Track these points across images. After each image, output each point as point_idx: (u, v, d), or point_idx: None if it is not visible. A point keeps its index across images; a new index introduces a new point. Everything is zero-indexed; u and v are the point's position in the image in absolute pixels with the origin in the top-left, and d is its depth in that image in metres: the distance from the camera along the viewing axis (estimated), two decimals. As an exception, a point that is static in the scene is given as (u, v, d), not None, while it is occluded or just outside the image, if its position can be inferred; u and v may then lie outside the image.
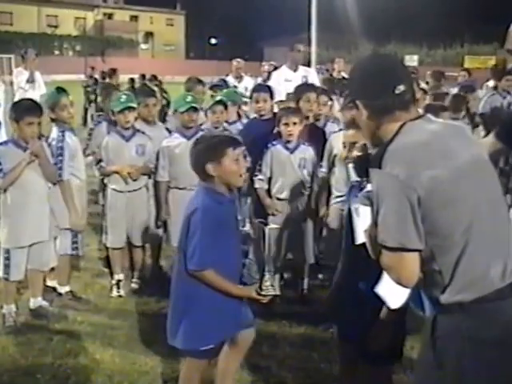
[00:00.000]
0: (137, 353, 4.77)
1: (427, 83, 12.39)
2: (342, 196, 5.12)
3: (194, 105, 5.75)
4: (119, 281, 5.92)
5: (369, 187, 2.61)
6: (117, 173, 5.79)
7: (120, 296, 5.85)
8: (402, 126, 2.45)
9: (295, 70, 8.69)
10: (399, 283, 2.40)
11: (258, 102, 6.21)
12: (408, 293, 2.65)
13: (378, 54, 2.54)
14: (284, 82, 8.32)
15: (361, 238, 2.64)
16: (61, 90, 5.62)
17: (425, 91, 8.86)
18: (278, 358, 4.70)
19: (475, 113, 7.78)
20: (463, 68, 15.94)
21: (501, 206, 2.54)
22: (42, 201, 5.20)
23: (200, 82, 7.51)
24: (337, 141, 5.13)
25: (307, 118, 5.97)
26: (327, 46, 46.93)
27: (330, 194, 5.44)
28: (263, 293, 3.53)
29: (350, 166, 3.41)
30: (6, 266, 5.13)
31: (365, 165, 2.98)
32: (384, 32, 55.36)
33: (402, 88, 2.47)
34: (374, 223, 2.41)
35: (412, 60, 46.76)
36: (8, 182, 5.00)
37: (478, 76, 14.79)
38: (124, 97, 5.93)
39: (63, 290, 5.69)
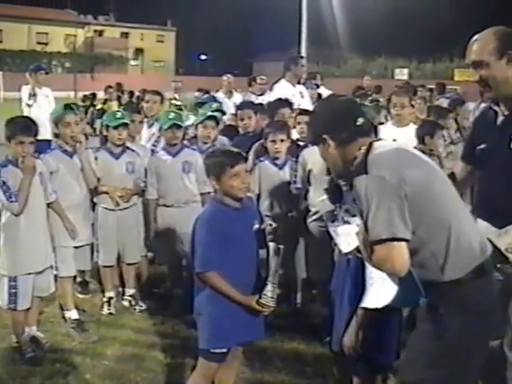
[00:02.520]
0: (127, 371, 4.71)
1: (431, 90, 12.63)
2: (318, 212, 5.12)
3: (176, 122, 5.76)
4: (110, 298, 5.87)
5: (346, 206, 3.03)
6: (106, 193, 5.74)
7: (111, 313, 5.78)
8: (370, 145, 2.89)
9: (293, 85, 8.57)
10: (393, 273, 2.74)
11: (242, 119, 6.23)
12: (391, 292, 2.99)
13: (337, 97, 3.41)
14: (290, 96, 8.22)
15: (345, 248, 2.98)
16: (68, 107, 5.53)
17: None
18: (271, 372, 4.66)
19: (464, 127, 7.75)
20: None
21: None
22: (44, 224, 5.04)
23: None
24: (310, 156, 5.11)
25: None
26: (317, 60, 47.05)
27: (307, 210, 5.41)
28: (262, 301, 3.66)
29: (323, 197, 3.57)
30: (13, 295, 4.85)
31: (336, 192, 3.37)
32: (374, 46, 55.61)
33: (361, 120, 2.96)
34: (365, 225, 2.71)
35: (402, 74, 47.00)
36: (23, 205, 4.75)
37: (467, 89, 14.84)
38: (119, 113, 5.93)
39: (68, 315, 5.52)
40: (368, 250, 2.74)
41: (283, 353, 4.97)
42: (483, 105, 7.62)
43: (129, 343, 5.21)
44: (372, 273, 3.06)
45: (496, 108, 3.49)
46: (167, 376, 4.66)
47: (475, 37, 3.39)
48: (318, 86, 13.08)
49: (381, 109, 7.30)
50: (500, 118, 3.47)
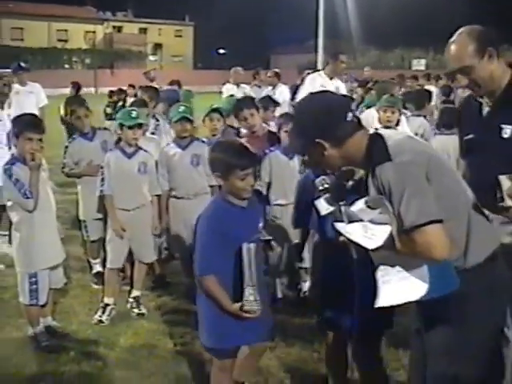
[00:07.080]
0: (138, 359, 4.86)
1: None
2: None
3: (186, 115, 5.80)
4: (107, 305, 5.66)
5: (363, 198, 2.73)
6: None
7: (101, 321, 5.53)
8: (378, 134, 2.77)
9: (331, 79, 8.35)
10: (436, 258, 2.54)
11: (245, 118, 6.02)
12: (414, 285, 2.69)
13: (314, 95, 2.99)
14: (320, 87, 7.87)
15: (370, 244, 2.65)
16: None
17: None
18: (279, 358, 4.77)
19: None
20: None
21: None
22: (54, 219, 5.13)
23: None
24: None
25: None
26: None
27: None
28: (247, 308, 3.48)
29: (321, 200, 3.53)
30: (34, 291, 4.95)
31: (340, 190, 3.18)
32: (391, 37, 55.13)
33: (350, 115, 2.76)
34: (398, 215, 2.57)
35: (419, 64, 46.60)
36: (36, 201, 4.77)
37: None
38: (134, 112, 5.75)
39: None
40: (400, 240, 2.60)
41: (290, 339, 5.04)
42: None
43: (140, 332, 5.34)
44: (386, 269, 2.73)
45: (480, 99, 3.51)
46: (178, 363, 4.77)
47: (451, 41, 3.42)
48: (357, 80, 13.00)
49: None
50: (486, 109, 3.48)
